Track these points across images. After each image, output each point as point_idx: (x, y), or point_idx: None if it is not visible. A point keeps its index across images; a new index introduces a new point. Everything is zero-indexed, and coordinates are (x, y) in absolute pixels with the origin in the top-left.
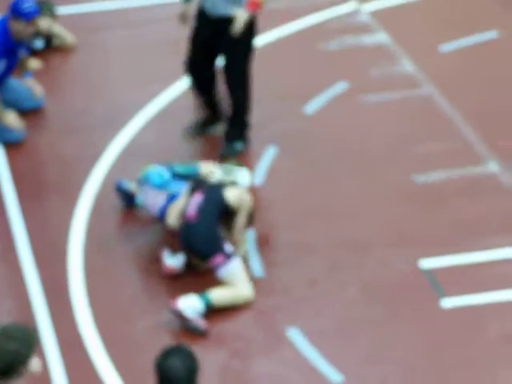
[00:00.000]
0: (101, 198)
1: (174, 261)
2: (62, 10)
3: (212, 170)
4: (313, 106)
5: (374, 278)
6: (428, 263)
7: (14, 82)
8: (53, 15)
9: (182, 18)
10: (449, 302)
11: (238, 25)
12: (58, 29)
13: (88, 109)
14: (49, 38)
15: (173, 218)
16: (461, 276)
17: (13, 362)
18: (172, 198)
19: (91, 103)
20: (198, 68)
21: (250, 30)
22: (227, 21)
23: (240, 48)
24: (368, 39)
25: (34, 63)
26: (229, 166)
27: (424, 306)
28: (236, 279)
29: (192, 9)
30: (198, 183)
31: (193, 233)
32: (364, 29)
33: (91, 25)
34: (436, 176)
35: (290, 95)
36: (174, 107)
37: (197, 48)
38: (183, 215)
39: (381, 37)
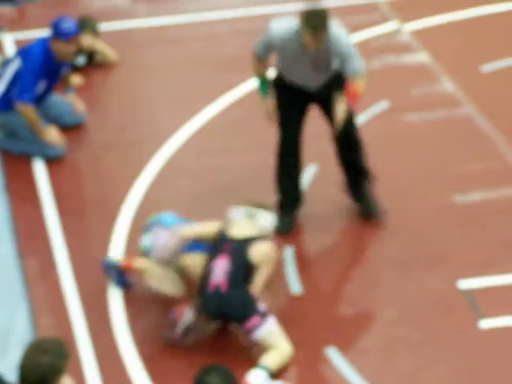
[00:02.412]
0: (141, 214)
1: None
2: (105, 27)
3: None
4: None
5: (412, 298)
6: (467, 284)
7: (56, 97)
8: (95, 32)
9: (270, 114)
10: (487, 323)
11: (340, 121)
12: (100, 45)
13: (129, 125)
14: (91, 55)
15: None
16: (499, 297)
17: (46, 375)
18: None
19: (132, 119)
20: (296, 146)
21: None
22: (328, 85)
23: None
24: (409, 59)
25: (76, 79)
26: (252, 210)
27: (462, 327)
28: (275, 338)
29: (272, 101)
30: (222, 237)
31: (226, 302)
32: (405, 48)
33: (134, 41)
34: (476, 196)
35: None
36: (214, 124)
37: (292, 125)
38: (208, 281)
39: (422, 56)
